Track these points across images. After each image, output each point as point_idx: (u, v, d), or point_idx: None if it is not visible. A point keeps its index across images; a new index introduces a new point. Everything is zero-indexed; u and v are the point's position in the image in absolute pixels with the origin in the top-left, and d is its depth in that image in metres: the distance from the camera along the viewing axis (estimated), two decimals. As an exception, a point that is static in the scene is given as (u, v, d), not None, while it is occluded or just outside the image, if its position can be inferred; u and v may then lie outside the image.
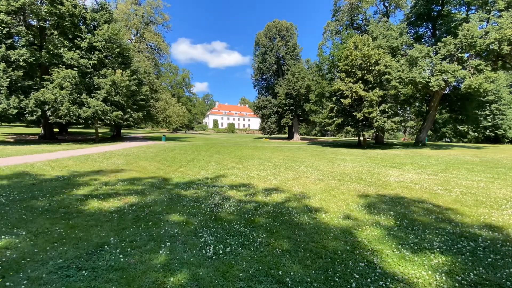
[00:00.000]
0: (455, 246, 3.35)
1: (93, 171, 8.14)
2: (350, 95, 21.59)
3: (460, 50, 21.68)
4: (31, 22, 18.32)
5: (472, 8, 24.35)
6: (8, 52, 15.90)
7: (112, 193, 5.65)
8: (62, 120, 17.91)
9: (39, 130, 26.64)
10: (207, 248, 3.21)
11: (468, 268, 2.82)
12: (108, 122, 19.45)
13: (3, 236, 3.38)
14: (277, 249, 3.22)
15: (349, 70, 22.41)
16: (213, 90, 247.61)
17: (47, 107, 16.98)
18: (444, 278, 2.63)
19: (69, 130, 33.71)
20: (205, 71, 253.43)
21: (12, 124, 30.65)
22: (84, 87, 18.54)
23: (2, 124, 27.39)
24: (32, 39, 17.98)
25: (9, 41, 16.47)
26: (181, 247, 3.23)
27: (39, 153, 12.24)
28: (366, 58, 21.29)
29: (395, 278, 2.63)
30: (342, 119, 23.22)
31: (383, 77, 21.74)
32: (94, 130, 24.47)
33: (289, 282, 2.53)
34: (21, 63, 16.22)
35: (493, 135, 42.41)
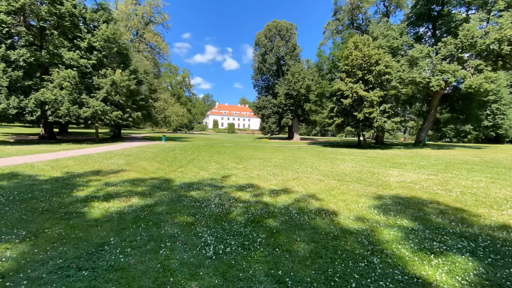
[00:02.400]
0: (455, 246, 3.35)
1: (93, 171, 8.14)
2: (351, 95, 21.59)
3: (460, 50, 21.67)
4: (31, 22, 18.32)
5: (472, 8, 24.34)
6: (8, 52, 15.88)
7: (112, 193, 5.65)
8: (62, 120, 17.90)
9: (39, 130, 26.65)
10: (207, 248, 3.21)
11: (469, 268, 2.83)
12: (108, 122, 19.44)
13: (3, 236, 3.38)
14: (277, 249, 3.22)
15: (350, 70, 22.41)
16: (211, 88, 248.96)
17: (47, 107, 16.97)
18: (444, 278, 2.63)
19: (69, 130, 33.72)
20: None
21: (12, 124, 30.70)
22: (84, 87, 18.54)
23: (2, 124, 27.45)
24: (32, 39, 17.98)
25: (9, 41, 16.44)
26: (181, 247, 3.24)
27: (39, 153, 12.24)
28: (367, 58, 21.28)
29: (395, 278, 2.63)
30: (342, 119, 23.22)
31: (383, 77, 21.73)
32: (94, 130, 24.49)
33: (289, 282, 2.53)
34: (21, 63, 16.20)
35: (493, 135, 42.41)
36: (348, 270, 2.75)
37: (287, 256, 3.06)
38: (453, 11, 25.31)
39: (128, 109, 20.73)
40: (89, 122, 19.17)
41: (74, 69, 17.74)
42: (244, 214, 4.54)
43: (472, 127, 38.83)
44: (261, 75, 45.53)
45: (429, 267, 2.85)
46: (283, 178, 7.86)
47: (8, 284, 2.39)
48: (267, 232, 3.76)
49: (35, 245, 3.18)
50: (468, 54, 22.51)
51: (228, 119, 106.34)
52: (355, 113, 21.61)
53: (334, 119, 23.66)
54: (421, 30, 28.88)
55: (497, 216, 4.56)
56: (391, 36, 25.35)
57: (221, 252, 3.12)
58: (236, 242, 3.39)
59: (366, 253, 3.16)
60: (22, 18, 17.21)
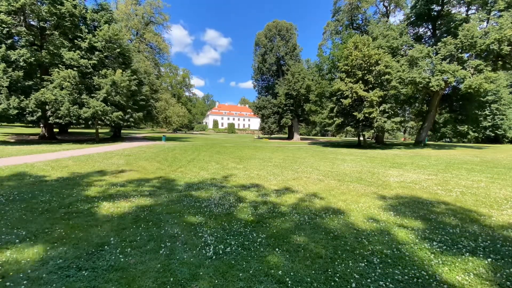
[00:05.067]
0: (455, 246, 3.36)
1: (93, 171, 8.14)
2: (350, 95, 21.60)
3: (460, 50, 21.68)
4: (31, 23, 18.32)
5: (472, 8, 24.37)
6: (8, 52, 15.89)
7: (112, 193, 5.65)
8: (62, 121, 17.90)
9: (39, 130, 26.65)
10: (207, 248, 3.21)
11: (469, 268, 2.83)
12: (108, 122, 19.43)
13: (3, 236, 3.38)
14: (277, 249, 3.22)
15: (349, 70, 22.42)
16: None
17: (47, 107, 16.98)
18: (444, 278, 2.63)
19: (69, 130, 33.71)
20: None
21: (12, 124, 30.76)
22: (84, 87, 18.54)
23: (3, 124, 27.48)
24: (32, 39, 17.98)
25: (9, 41, 16.47)
26: (181, 247, 3.24)
27: (39, 153, 12.24)
28: (366, 58, 21.29)
29: (395, 278, 2.63)
30: (342, 119, 23.23)
31: (383, 77, 21.76)
32: (94, 130, 24.48)
33: (289, 282, 2.53)
34: (21, 63, 16.21)
35: (493, 135, 42.45)
36: (348, 270, 2.76)
37: (287, 256, 3.06)
38: (453, 11, 25.34)
39: (129, 110, 20.72)
40: (90, 122, 19.17)
41: (75, 69, 17.75)
42: (244, 214, 4.54)
43: (470, 128, 38.84)
44: (261, 75, 45.54)
45: (429, 267, 2.85)
46: (283, 178, 7.86)
47: (8, 284, 2.39)
48: (267, 232, 3.76)
49: (35, 245, 3.18)
50: (468, 54, 22.52)
51: (228, 119, 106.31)
52: (355, 113, 21.62)
53: (334, 119, 23.67)
54: (421, 30, 28.92)
55: (497, 216, 4.56)
56: (391, 36, 25.37)
57: (221, 252, 3.12)
58: (236, 242, 3.39)
59: (366, 252, 3.16)
60: (22, 18, 17.21)
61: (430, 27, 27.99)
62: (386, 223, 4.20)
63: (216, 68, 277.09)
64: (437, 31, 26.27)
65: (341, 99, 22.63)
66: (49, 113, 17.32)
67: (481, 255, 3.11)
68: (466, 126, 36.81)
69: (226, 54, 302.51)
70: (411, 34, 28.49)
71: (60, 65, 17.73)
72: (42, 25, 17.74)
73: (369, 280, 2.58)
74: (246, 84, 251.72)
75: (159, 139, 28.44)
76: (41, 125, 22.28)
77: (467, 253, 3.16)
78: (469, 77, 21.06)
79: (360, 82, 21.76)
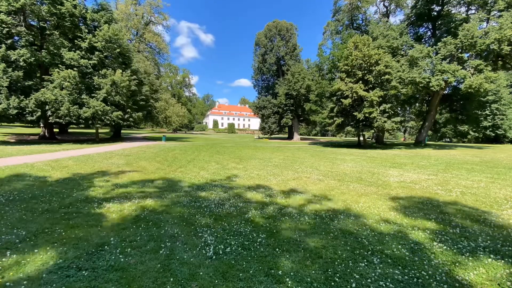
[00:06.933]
0: (455, 246, 3.36)
1: (93, 171, 8.14)
2: (351, 95, 21.59)
3: (460, 50, 21.68)
4: (31, 23, 18.32)
5: (472, 8, 24.36)
6: (8, 52, 15.89)
7: (112, 193, 5.65)
8: (62, 120, 17.90)
9: (39, 130, 26.66)
10: (207, 248, 3.21)
11: (469, 268, 2.83)
12: (108, 122, 19.42)
13: (3, 236, 3.38)
14: (277, 249, 3.22)
15: (349, 70, 22.41)
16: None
17: (47, 107, 16.98)
18: (444, 278, 2.63)
19: (69, 130, 33.73)
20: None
21: (12, 124, 30.78)
22: (84, 87, 18.54)
23: (3, 124, 27.48)
24: (32, 39, 17.96)
25: (9, 41, 16.46)
26: (181, 247, 3.24)
27: (39, 153, 12.24)
28: (366, 58, 21.28)
29: (395, 278, 2.63)
30: (342, 119, 23.22)
31: (383, 77, 21.74)
32: (94, 130, 24.49)
33: (289, 282, 2.53)
34: (21, 63, 16.21)
35: (493, 135, 42.47)
36: (348, 270, 2.76)
37: (287, 256, 3.06)
38: (453, 11, 25.33)
39: (129, 110, 20.72)
40: (90, 122, 19.16)
41: (75, 69, 17.74)
42: (244, 214, 4.54)
43: (471, 128, 38.89)
44: (261, 75, 45.53)
45: (429, 267, 2.85)
46: (283, 178, 7.86)
47: (8, 284, 2.39)
48: (267, 232, 3.76)
49: (35, 245, 3.18)
50: (468, 54, 22.52)
51: (228, 119, 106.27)
52: (355, 113, 21.61)
53: (334, 119, 23.66)
54: (421, 30, 28.93)
55: (497, 216, 4.56)
56: (391, 36, 25.37)
57: (221, 252, 3.12)
58: (236, 242, 3.39)
59: (366, 253, 3.16)
60: (22, 18, 17.20)
61: (430, 27, 27.99)
62: (386, 223, 4.20)
63: (202, 67, 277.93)
64: (437, 31, 26.26)
65: (341, 99, 22.61)
66: (49, 113, 17.31)
67: (481, 255, 3.11)
68: (467, 126, 36.85)
69: (209, 53, 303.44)
70: (411, 34, 28.48)
71: (60, 65, 17.72)
72: (42, 25, 17.72)
73: (369, 280, 2.58)
74: (235, 84, 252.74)
75: (159, 139, 28.44)
76: (41, 125, 22.30)
77: (467, 253, 3.16)
78: (469, 77, 21.06)
79: (360, 82, 21.75)
